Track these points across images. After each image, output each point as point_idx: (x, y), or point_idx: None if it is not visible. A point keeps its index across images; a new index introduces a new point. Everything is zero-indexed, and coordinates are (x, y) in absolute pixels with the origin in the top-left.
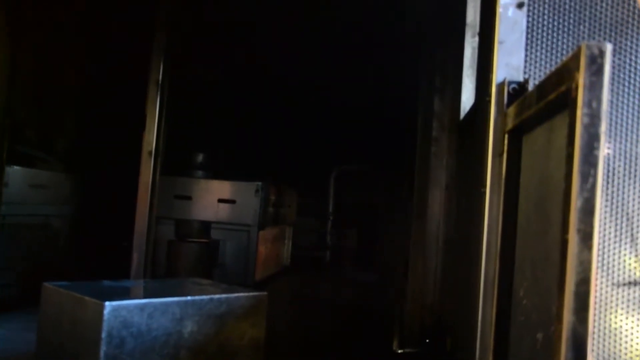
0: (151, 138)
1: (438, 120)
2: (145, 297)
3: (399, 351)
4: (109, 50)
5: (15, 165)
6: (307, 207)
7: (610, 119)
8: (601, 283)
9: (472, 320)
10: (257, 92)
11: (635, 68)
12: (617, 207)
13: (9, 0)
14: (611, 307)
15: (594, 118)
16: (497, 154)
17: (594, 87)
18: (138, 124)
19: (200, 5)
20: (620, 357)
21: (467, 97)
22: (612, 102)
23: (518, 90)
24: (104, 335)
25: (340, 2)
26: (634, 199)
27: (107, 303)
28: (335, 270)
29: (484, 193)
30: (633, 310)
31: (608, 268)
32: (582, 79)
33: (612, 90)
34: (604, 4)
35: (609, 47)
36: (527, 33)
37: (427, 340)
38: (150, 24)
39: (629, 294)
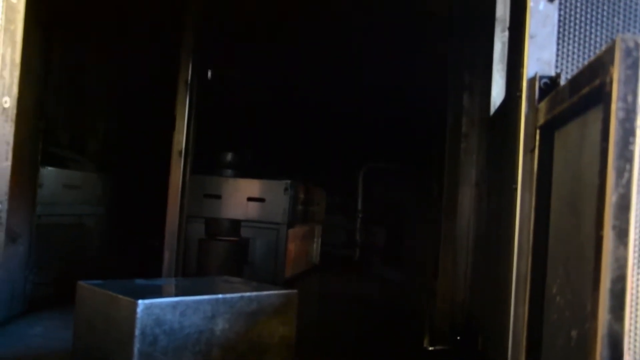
0: (181, 138)
1: (467, 116)
2: (177, 295)
3: (430, 348)
4: (140, 51)
5: (49, 166)
6: (336, 205)
7: None
8: (637, 280)
9: (504, 318)
10: (286, 91)
11: None
12: None
13: (40, 3)
14: None
15: (629, 112)
16: (529, 150)
17: (630, 80)
18: (168, 124)
19: (228, 6)
20: None
21: (497, 93)
22: None
23: (550, 85)
24: (137, 332)
25: None
26: None
27: (140, 301)
28: (364, 268)
29: (515, 190)
30: None
31: None
32: (617, 72)
33: None
34: None
35: None
36: (559, 27)
37: (458, 338)
38: (179, 25)
39: None
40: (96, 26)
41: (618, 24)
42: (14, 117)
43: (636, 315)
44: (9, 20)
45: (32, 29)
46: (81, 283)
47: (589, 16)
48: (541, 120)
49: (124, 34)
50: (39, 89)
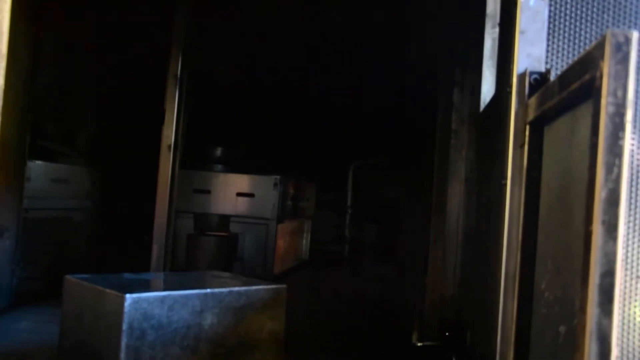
0: (170, 132)
1: (457, 112)
2: (165, 289)
3: (419, 344)
4: (129, 45)
5: (36, 160)
6: (326, 201)
7: (636, 109)
8: (625, 275)
9: (492, 314)
10: (277, 87)
11: None
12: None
13: None
14: (636, 300)
15: (619, 107)
16: (518, 146)
17: (619, 75)
18: (158, 118)
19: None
20: None
21: (487, 89)
22: (638, 91)
23: (540, 81)
24: (124, 327)
25: None
26: None
27: (127, 295)
28: (354, 264)
29: (505, 185)
30: None
31: (632, 260)
32: (606, 67)
33: (638, 80)
34: None
35: (635, 35)
36: (549, 22)
37: (447, 334)
38: (170, 18)
39: None
40: (85, 19)
41: (607, 20)
42: (0, 108)
43: (624, 311)
44: None
45: (20, 19)
46: (69, 277)
47: (579, 12)
48: (531, 115)
49: (114, 27)
50: (27, 81)
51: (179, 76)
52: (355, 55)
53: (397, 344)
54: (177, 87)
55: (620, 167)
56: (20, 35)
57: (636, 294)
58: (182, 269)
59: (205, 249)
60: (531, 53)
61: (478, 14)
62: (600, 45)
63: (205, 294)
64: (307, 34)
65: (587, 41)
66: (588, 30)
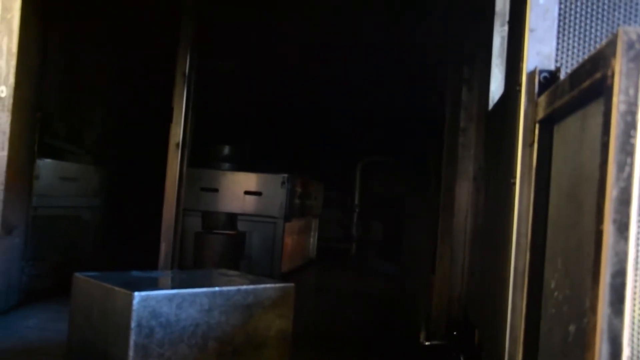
0: (178, 130)
1: (466, 110)
2: (173, 287)
3: (426, 343)
4: (137, 43)
5: (45, 158)
6: (333, 200)
7: None
8: (637, 275)
9: (501, 313)
10: (284, 85)
11: None
12: None
13: None
14: None
15: (631, 105)
16: (528, 144)
17: (632, 73)
18: (165, 116)
19: None
20: None
21: (496, 87)
22: None
23: (549, 79)
24: (133, 325)
25: None
26: None
27: (136, 293)
28: (361, 262)
29: (514, 184)
30: None
31: None
32: (618, 65)
33: None
34: None
35: None
36: (559, 20)
37: (455, 333)
38: (178, 16)
39: None
40: (94, 17)
41: (619, 18)
42: (10, 106)
43: (635, 311)
44: (5, 9)
45: (30, 18)
46: (77, 275)
47: (589, 10)
48: (540, 114)
49: (122, 25)
50: (36, 79)
51: (187, 74)
52: (363, 53)
53: (405, 342)
54: (185, 85)
55: (632, 165)
56: (29, 33)
57: None
58: (190, 267)
59: (213, 247)
60: (541, 51)
61: (487, 11)
62: (612, 43)
63: (214, 292)
64: (314, 32)
65: (598, 39)
66: (599, 28)
